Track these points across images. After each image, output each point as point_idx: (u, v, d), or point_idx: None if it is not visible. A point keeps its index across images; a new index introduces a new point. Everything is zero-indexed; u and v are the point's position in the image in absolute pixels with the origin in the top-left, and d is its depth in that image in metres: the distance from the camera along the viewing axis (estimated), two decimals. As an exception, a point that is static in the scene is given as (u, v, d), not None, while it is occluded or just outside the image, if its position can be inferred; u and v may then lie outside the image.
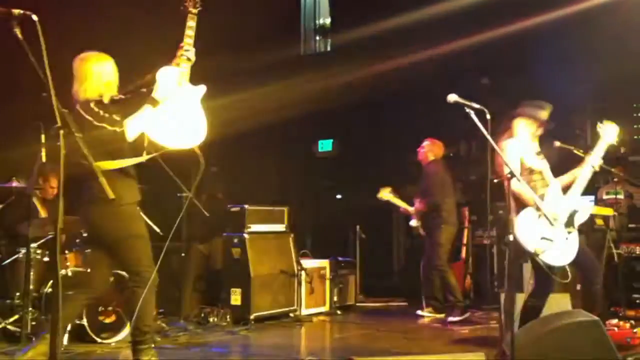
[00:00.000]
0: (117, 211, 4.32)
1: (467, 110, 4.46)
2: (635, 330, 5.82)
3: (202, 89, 4.61)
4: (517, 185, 4.73)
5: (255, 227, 7.19)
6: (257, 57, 7.98)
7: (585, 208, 5.03)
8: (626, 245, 7.68)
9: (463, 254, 8.77)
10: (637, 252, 7.74)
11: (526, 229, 4.79)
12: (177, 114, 4.45)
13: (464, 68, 8.43)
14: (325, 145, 9.01)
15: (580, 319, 4.35)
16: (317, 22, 8.60)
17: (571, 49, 8.05)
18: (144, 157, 4.44)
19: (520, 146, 5.20)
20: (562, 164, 8.93)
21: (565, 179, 5.17)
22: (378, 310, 8.22)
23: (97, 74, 4.45)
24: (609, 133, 5.17)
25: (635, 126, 8.67)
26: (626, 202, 7.65)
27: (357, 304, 8.23)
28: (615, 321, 6.21)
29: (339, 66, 8.33)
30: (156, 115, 4.35)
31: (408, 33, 7.84)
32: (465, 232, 8.83)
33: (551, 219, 4.84)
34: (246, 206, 7.17)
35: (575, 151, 5.36)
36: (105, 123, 4.25)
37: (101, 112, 4.30)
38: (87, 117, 4.26)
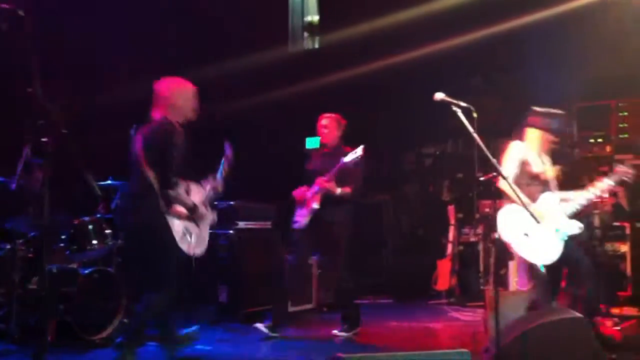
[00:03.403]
0: None
1: (454, 108, 4.49)
2: (619, 328, 5.88)
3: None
4: (504, 185, 4.88)
5: (243, 224, 7.19)
6: (245, 54, 7.96)
7: (577, 225, 5.14)
8: (610, 244, 7.75)
9: (449, 251, 8.82)
10: (622, 251, 7.82)
11: (509, 222, 5.04)
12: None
13: (453, 66, 8.46)
14: (313, 142, 9.01)
15: (564, 317, 4.38)
16: (305, 19, 8.57)
17: (558, 49, 8.10)
18: None
19: (524, 150, 5.34)
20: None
21: (565, 195, 5.30)
22: (365, 308, 8.22)
23: None
24: (624, 173, 5.27)
25: (620, 125, 8.71)
26: (611, 200, 7.70)
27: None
28: (599, 318, 6.27)
29: (328, 63, 8.34)
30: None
31: (396, 31, 7.85)
32: (452, 229, 8.87)
33: (537, 217, 4.88)
34: (234, 203, 7.17)
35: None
36: None
37: None
38: None
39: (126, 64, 7.23)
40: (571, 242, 5.16)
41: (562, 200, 5.26)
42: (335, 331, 6.22)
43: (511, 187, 4.73)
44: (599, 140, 8.78)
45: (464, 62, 8.49)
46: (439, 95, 4.56)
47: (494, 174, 4.44)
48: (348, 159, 6.00)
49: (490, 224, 7.79)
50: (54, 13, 6.52)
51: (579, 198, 5.25)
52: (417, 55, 8.15)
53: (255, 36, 7.95)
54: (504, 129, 9.13)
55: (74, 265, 5.80)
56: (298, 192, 6.30)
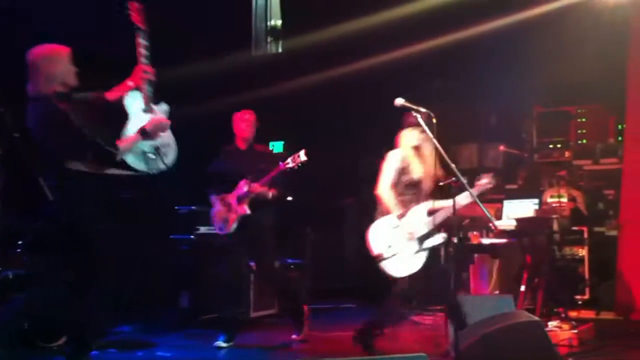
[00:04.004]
0: None
1: (414, 113, 4.53)
2: (576, 331, 5.97)
3: (166, 108, 4.67)
4: (384, 194, 5.06)
5: (204, 229, 7.12)
6: (208, 58, 7.92)
7: (440, 236, 5.17)
8: (569, 248, 7.87)
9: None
10: (580, 254, 7.94)
11: (378, 234, 5.12)
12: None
13: (415, 71, 8.51)
14: (276, 147, 8.97)
15: (522, 320, 4.43)
16: (268, 23, 8.56)
17: (517, 55, 8.20)
18: None
19: (401, 157, 5.26)
20: (508, 168, 9.16)
21: (437, 203, 5.22)
22: (326, 313, 8.22)
23: None
24: (486, 186, 5.26)
25: (579, 131, 8.86)
26: (570, 205, 7.81)
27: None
28: (557, 322, 6.37)
29: (290, 68, 8.33)
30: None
31: (359, 37, 7.88)
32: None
33: (407, 234, 5.05)
34: (195, 208, 7.12)
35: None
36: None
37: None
38: None
39: (84, 66, 7.11)
40: (434, 253, 5.21)
41: (430, 210, 5.20)
42: (294, 336, 6.18)
43: (391, 201, 4.98)
44: (558, 145, 8.92)
45: (424, 67, 8.54)
46: (399, 101, 4.61)
47: (454, 178, 4.48)
48: (291, 164, 5.76)
49: (452, 228, 7.86)
50: (3, 18, 6.39)
51: (446, 209, 5.14)
52: (378, 60, 8.18)
53: (218, 40, 7.90)
54: (464, 134, 9.30)
55: (29, 271, 5.68)
56: (223, 198, 6.02)
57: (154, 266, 7.45)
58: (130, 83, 4.51)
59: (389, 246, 5.07)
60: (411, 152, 5.24)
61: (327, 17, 7.89)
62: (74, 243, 4.43)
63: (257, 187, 5.82)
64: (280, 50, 8.43)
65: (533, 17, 7.63)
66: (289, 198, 9.73)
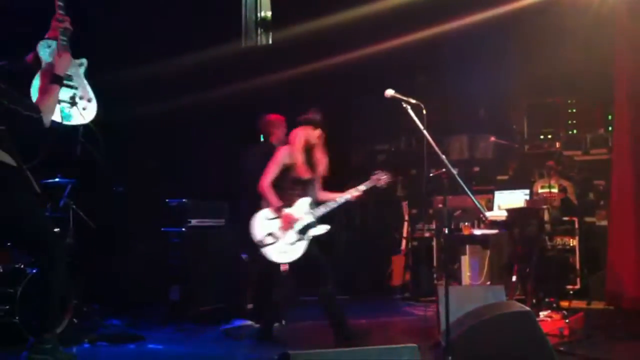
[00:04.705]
0: None
1: (404, 105, 4.52)
2: (567, 321, 6.00)
3: (84, 61, 4.51)
4: (264, 188, 5.39)
5: (195, 222, 7.10)
6: (198, 49, 7.88)
7: (322, 227, 5.48)
8: (560, 238, 7.91)
9: (403, 247, 8.87)
10: (570, 245, 7.98)
11: (259, 223, 5.42)
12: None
13: (403, 64, 8.50)
14: (267, 139, 8.97)
15: (512, 310, 4.44)
16: (258, 15, 8.52)
17: (507, 46, 8.20)
18: None
19: (290, 155, 5.49)
20: (498, 159, 9.19)
21: (324, 196, 5.60)
22: (317, 305, 8.22)
23: None
24: (377, 180, 5.60)
25: (569, 121, 8.89)
26: (560, 196, 7.84)
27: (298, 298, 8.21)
28: (548, 312, 6.40)
29: (280, 60, 8.30)
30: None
31: (348, 29, 7.85)
32: (405, 225, 8.94)
33: (285, 222, 5.38)
34: (186, 200, 7.09)
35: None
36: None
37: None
38: None
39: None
40: (315, 243, 5.43)
41: (319, 202, 5.53)
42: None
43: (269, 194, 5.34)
44: (549, 136, 8.96)
45: (411, 59, 8.54)
46: (390, 92, 4.60)
47: (444, 170, 4.47)
48: None
49: (443, 219, 7.88)
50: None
51: (331, 202, 5.53)
52: (367, 52, 8.15)
53: (208, 31, 7.87)
54: (454, 127, 9.32)
55: (21, 265, 5.67)
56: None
57: (145, 259, 7.46)
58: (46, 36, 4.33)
59: (269, 234, 5.39)
60: (302, 150, 5.50)
61: (312, 10, 7.87)
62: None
63: None
64: (270, 42, 8.40)
65: (521, 9, 7.62)
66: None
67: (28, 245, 4.38)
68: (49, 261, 4.17)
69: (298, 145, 5.49)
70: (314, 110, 5.62)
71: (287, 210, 5.41)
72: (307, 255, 5.39)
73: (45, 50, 4.28)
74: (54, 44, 4.31)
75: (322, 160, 5.57)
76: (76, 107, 4.34)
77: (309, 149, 5.53)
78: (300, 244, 5.40)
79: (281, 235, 5.39)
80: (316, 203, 5.49)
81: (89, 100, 4.45)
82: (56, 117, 4.20)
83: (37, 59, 4.24)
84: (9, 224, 4.11)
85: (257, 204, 5.54)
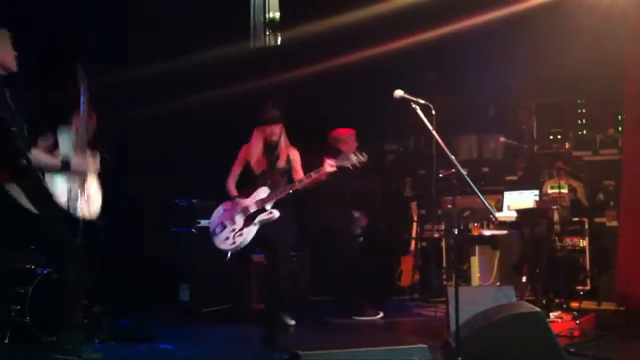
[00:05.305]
0: None
1: (413, 105, 4.51)
2: (578, 322, 5.97)
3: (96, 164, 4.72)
4: (227, 183, 5.89)
5: (204, 222, 7.11)
6: (207, 50, 7.90)
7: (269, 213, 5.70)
8: (570, 239, 7.87)
9: (412, 248, 8.85)
10: (580, 245, 7.94)
11: (215, 215, 5.86)
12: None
13: (412, 64, 8.49)
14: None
15: (522, 311, 4.43)
16: (267, 16, 8.55)
17: (517, 46, 8.17)
18: None
19: (247, 152, 5.84)
20: (507, 159, 9.16)
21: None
22: (327, 305, 8.22)
23: None
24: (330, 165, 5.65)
25: (579, 121, 8.85)
26: (569, 196, 7.81)
27: (308, 298, 8.20)
28: (558, 312, 6.37)
29: (289, 60, 8.31)
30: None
31: (356, 29, 7.85)
32: (414, 226, 8.91)
33: (241, 212, 5.71)
34: (194, 201, 7.11)
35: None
36: None
37: None
38: None
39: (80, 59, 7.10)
40: (266, 227, 5.66)
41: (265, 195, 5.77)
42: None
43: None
44: (558, 136, 8.92)
45: (422, 59, 8.52)
46: (399, 93, 4.59)
47: (453, 170, 4.46)
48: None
49: (452, 220, 7.86)
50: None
51: (269, 197, 5.74)
52: (376, 51, 8.14)
53: (216, 32, 7.89)
54: (463, 127, 9.29)
55: (32, 265, 5.69)
56: None
57: (154, 259, 7.47)
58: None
59: (220, 224, 5.78)
60: (261, 147, 5.79)
61: (320, 10, 7.88)
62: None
63: None
64: (278, 42, 8.42)
65: (531, 8, 7.60)
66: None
67: (44, 246, 4.43)
68: (64, 261, 4.21)
69: (252, 144, 5.82)
70: (267, 106, 5.79)
71: (239, 200, 5.75)
72: (259, 238, 5.65)
73: (64, 137, 4.52)
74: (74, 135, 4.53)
75: (284, 153, 5.79)
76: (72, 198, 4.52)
77: (271, 145, 5.78)
78: (250, 229, 5.65)
79: (229, 224, 5.71)
80: (274, 192, 5.69)
81: (89, 197, 4.70)
82: (62, 200, 4.46)
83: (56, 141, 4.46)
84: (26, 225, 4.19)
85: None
